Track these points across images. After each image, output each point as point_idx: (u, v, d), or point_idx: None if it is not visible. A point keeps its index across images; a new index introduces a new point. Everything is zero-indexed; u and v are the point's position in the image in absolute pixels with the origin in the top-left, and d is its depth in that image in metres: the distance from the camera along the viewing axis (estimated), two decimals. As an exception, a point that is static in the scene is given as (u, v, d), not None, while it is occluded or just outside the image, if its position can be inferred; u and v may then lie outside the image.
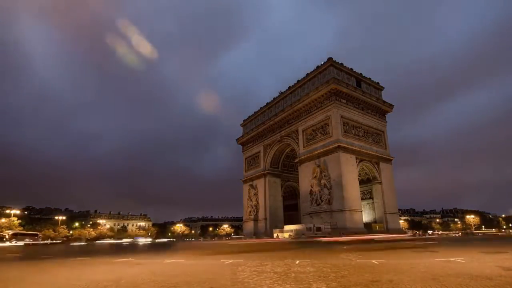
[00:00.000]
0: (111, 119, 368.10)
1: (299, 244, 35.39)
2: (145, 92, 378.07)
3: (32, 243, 59.33)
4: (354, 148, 60.32)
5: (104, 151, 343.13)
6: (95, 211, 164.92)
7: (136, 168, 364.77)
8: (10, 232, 65.37)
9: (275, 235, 63.99)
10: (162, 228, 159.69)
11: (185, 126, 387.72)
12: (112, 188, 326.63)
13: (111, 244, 62.93)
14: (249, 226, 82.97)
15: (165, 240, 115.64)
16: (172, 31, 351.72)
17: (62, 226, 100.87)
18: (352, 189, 57.56)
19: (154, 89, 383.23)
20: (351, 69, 66.90)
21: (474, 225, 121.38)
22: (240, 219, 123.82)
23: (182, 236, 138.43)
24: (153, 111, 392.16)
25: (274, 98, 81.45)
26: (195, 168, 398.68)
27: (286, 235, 60.99)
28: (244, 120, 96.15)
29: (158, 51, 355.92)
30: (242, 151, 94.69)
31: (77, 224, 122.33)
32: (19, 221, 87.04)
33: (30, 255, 27.82)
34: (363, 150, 62.01)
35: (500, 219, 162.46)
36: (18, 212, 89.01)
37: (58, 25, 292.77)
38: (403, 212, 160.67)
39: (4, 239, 59.55)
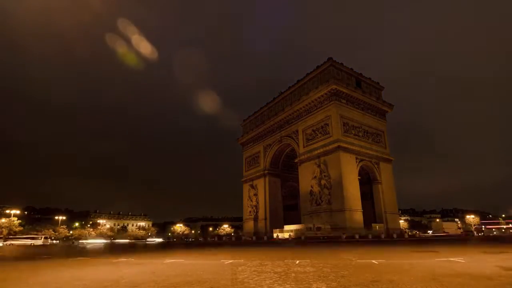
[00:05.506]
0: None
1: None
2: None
3: None
4: (354, 148, 60.26)
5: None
6: (95, 211, 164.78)
7: (136, 167, 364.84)
8: None
9: (275, 235, 64.01)
10: (162, 228, 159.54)
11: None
12: (112, 188, 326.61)
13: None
14: (249, 226, 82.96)
15: None
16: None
17: (62, 226, 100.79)
18: (352, 189, 57.52)
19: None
20: (351, 69, 66.85)
21: (474, 225, 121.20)
22: (240, 219, 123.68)
23: (182, 236, 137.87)
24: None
25: (274, 98, 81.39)
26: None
27: (286, 235, 61.00)
28: (244, 120, 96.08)
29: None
30: (242, 151, 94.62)
31: (77, 224, 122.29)
32: (19, 221, 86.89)
33: (30, 254, 27.82)
34: (363, 150, 61.95)
35: (500, 219, 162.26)
36: (18, 212, 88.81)
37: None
38: (403, 212, 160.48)
39: None
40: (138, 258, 19.66)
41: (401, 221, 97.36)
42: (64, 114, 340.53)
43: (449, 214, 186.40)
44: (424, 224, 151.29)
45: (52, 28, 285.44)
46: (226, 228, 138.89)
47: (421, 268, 10.55)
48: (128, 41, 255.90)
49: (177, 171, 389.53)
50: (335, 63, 64.16)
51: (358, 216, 56.75)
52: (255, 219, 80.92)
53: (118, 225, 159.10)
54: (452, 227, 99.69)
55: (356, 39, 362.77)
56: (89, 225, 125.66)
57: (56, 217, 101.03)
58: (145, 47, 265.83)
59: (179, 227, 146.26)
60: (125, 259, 18.23)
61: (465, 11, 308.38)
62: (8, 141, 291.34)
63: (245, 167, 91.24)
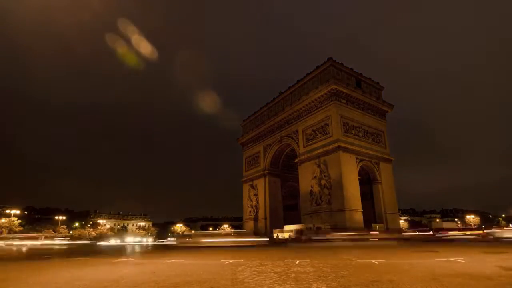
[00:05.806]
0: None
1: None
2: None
3: None
4: (354, 148, 60.26)
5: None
6: (95, 211, 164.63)
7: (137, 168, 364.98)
8: None
9: (275, 235, 64.04)
10: (162, 228, 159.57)
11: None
12: (112, 188, 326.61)
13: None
14: (249, 226, 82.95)
15: None
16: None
17: (62, 226, 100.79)
18: (352, 189, 57.52)
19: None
20: (351, 69, 66.82)
21: (474, 225, 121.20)
22: (240, 219, 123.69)
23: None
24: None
25: (274, 98, 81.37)
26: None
27: (286, 235, 61.01)
28: (244, 120, 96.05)
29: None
30: (242, 151, 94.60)
31: (77, 224, 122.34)
32: (19, 221, 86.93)
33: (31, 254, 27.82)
34: (363, 150, 61.94)
35: (500, 219, 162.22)
36: (18, 212, 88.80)
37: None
38: (403, 212, 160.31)
39: None
40: (138, 258, 19.69)
41: (401, 221, 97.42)
42: (64, 114, 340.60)
43: (449, 214, 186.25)
44: (424, 224, 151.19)
45: (52, 27, 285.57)
46: (226, 228, 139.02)
47: (421, 268, 10.55)
48: (128, 41, 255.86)
49: (177, 171, 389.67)
50: (335, 63, 64.12)
51: (358, 216, 56.75)
52: (255, 219, 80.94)
53: (118, 225, 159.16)
54: (452, 227, 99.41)
55: (356, 40, 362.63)
56: (89, 225, 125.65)
57: (56, 217, 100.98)
58: (145, 47, 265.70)
59: (179, 227, 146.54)
60: (125, 259, 18.23)
61: (465, 11, 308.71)
62: (8, 141, 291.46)
63: (245, 167, 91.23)
